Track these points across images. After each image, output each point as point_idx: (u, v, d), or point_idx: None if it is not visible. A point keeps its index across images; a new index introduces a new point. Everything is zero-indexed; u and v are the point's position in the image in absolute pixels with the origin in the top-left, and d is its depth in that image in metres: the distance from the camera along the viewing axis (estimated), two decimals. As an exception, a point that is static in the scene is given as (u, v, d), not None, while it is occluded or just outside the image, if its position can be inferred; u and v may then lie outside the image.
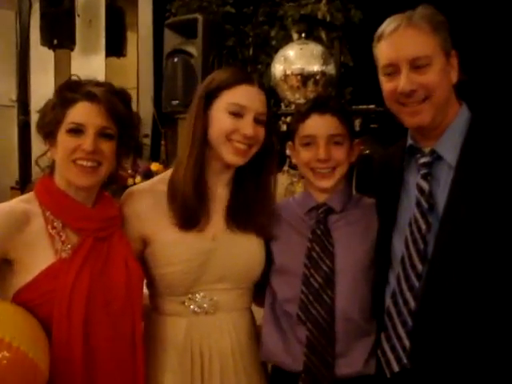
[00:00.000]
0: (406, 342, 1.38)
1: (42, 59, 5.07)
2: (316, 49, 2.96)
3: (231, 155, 1.56)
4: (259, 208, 1.62)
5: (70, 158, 1.43)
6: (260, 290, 1.67)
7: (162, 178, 1.65)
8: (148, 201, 1.59)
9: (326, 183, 1.61)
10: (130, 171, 4.07)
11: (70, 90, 1.45)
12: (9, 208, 1.42)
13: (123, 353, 1.46)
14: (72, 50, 4.97)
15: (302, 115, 1.64)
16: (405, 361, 1.38)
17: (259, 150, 1.61)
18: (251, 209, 1.62)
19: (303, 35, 2.99)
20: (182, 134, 1.64)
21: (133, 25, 5.10)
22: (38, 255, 1.40)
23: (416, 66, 1.38)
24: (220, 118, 1.56)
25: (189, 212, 1.55)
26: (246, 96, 1.56)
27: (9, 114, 5.30)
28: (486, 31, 3.03)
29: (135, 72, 5.01)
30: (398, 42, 1.40)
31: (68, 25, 4.81)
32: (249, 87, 1.57)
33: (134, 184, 3.51)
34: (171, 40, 3.29)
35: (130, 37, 5.18)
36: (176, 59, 3.18)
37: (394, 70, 1.41)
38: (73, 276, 1.39)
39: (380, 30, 1.46)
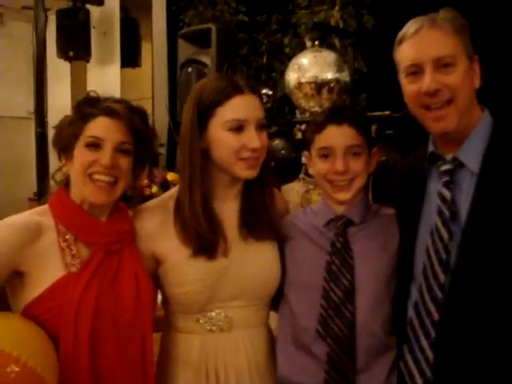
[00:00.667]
0: (430, 354, 1.35)
1: (59, 71, 5.14)
2: (329, 56, 2.95)
3: (245, 171, 1.52)
4: (268, 210, 1.59)
5: (86, 172, 1.42)
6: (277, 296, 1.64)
7: (171, 195, 1.60)
8: (157, 219, 1.56)
9: (344, 196, 1.57)
10: (146, 181, 4.10)
11: (89, 105, 1.46)
12: (23, 220, 1.42)
13: (132, 369, 1.43)
14: (88, 61, 5.03)
15: (318, 126, 1.60)
16: (428, 373, 1.35)
17: None
18: (262, 213, 1.59)
19: (316, 43, 2.99)
20: (179, 155, 1.57)
21: (147, 35, 5.14)
22: (48, 268, 1.39)
23: (440, 66, 1.36)
24: (222, 139, 1.50)
25: (204, 244, 1.51)
26: (239, 108, 1.49)
27: (26, 125, 5.37)
28: (507, 35, 3.01)
29: (150, 82, 5.04)
30: (421, 42, 1.38)
31: (83, 37, 4.88)
32: (240, 97, 1.49)
33: (151, 194, 3.53)
34: (185, 50, 3.30)
35: (145, 47, 5.23)
36: (190, 69, 3.19)
37: (417, 70, 1.38)
38: (80, 291, 1.37)
39: (401, 32, 1.43)
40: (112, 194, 1.45)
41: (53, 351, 1.32)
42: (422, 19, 1.40)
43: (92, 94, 1.51)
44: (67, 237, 1.43)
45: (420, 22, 1.40)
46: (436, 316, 1.34)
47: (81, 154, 1.43)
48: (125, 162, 1.45)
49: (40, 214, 1.45)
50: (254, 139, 1.48)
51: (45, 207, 1.48)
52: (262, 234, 1.57)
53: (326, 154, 1.57)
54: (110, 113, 1.43)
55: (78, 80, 5.20)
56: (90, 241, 1.45)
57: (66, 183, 1.50)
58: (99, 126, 1.43)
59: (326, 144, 1.57)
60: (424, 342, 1.36)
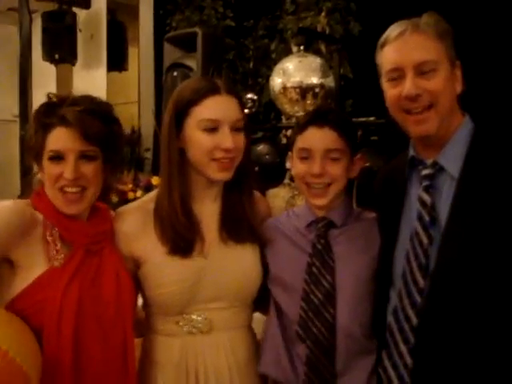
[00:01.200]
0: (408, 360, 1.34)
1: (44, 74, 5.10)
2: (315, 61, 2.95)
3: (217, 173, 1.52)
4: (248, 214, 1.59)
5: (55, 186, 1.43)
6: (263, 298, 1.63)
7: (151, 197, 1.61)
8: (137, 221, 1.56)
9: (321, 201, 1.57)
10: (131, 185, 4.08)
11: (45, 115, 1.45)
12: (19, 208, 1.42)
13: (114, 364, 1.44)
14: (74, 64, 4.99)
15: (300, 127, 1.61)
16: (407, 379, 1.34)
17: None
18: (241, 216, 1.58)
19: (302, 48, 2.99)
20: (161, 155, 1.58)
21: (134, 39, 5.12)
22: (34, 261, 1.40)
23: (422, 71, 1.36)
24: (196, 138, 1.51)
25: (181, 241, 1.52)
26: (214, 108, 1.50)
27: (11, 128, 5.31)
28: (489, 40, 3.03)
29: (136, 86, 5.03)
30: (403, 46, 1.38)
31: (70, 40, 4.84)
32: (216, 98, 1.50)
33: (135, 198, 3.51)
34: (171, 54, 3.29)
35: (132, 51, 5.20)
36: (175, 73, 3.18)
37: (398, 74, 1.39)
38: (63, 286, 1.38)
39: (384, 35, 1.44)
40: (82, 203, 1.46)
41: (37, 349, 1.32)
42: (406, 23, 1.40)
43: (51, 96, 1.50)
44: (54, 231, 1.45)
45: (403, 26, 1.40)
46: (415, 321, 1.34)
47: (47, 167, 1.44)
48: (90, 169, 1.45)
49: (29, 205, 1.46)
50: (226, 139, 1.48)
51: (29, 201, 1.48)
52: (242, 238, 1.58)
53: (305, 155, 1.57)
54: (65, 122, 1.42)
55: (63, 83, 5.16)
56: (71, 239, 1.46)
57: (43, 185, 1.50)
58: (57, 139, 1.43)
59: (305, 145, 1.57)
60: (403, 348, 1.36)
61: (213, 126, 1.49)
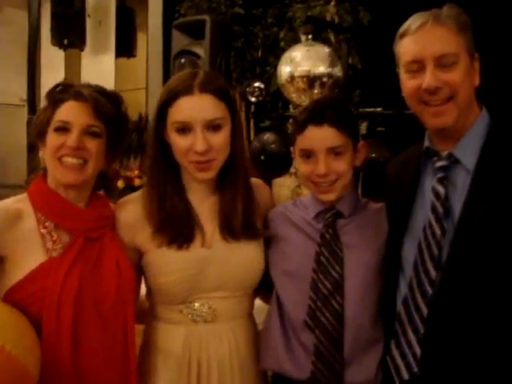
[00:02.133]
0: (417, 349, 1.34)
1: (53, 59, 5.11)
2: (323, 50, 2.92)
3: (196, 173, 1.50)
4: (241, 211, 1.57)
5: (56, 155, 1.44)
6: (265, 286, 1.63)
7: None
8: (139, 210, 1.55)
9: (328, 197, 1.56)
10: (137, 172, 4.09)
11: (59, 92, 1.48)
12: (2, 205, 1.44)
13: (114, 353, 1.44)
14: (82, 50, 5.01)
15: (299, 126, 1.56)
16: (415, 369, 1.34)
17: (231, 153, 1.54)
18: (235, 214, 1.56)
19: (310, 37, 2.96)
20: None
21: (143, 26, 5.12)
22: (29, 254, 1.40)
23: (442, 63, 1.35)
24: (172, 140, 1.50)
25: (170, 236, 1.51)
26: (185, 110, 1.46)
27: (19, 113, 5.33)
28: (506, 34, 3.00)
29: (144, 72, 5.03)
30: (424, 38, 1.36)
31: (78, 25, 4.85)
32: (187, 99, 1.46)
33: (142, 185, 3.52)
34: (179, 41, 3.28)
35: (140, 38, 5.20)
36: (183, 60, 3.17)
37: (418, 67, 1.37)
38: (62, 275, 1.38)
39: (404, 26, 1.42)
40: (82, 173, 1.46)
41: (36, 340, 1.32)
42: (427, 14, 1.39)
43: (66, 81, 1.52)
44: (47, 224, 1.45)
45: (425, 17, 1.38)
46: (425, 311, 1.34)
47: (50, 138, 1.45)
48: (93, 145, 1.46)
49: (19, 201, 1.47)
50: (198, 142, 1.45)
51: (24, 195, 1.49)
52: (240, 234, 1.56)
53: (308, 155, 1.55)
54: (77, 96, 1.45)
55: (72, 68, 5.17)
56: (70, 227, 1.46)
57: (44, 170, 1.51)
58: (66, 110, 1.45)
59: (306, 146, 1.55)
60: (412, 337, 1.36)
61: (182, 128, 1.47)
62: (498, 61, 2.78)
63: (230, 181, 1.57)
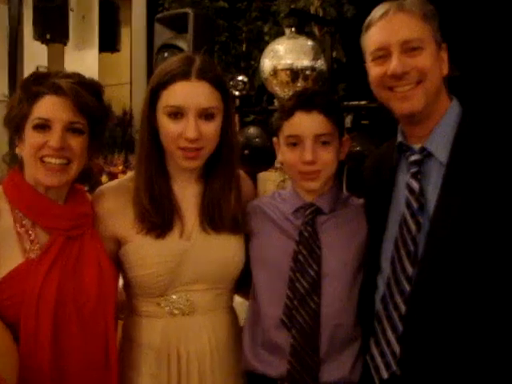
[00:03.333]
0: (396, 348, 1.34)
1: (35, 54, 5.04)
2: (306, 43, 2.90)
3: (183, 161, 1.49)
4: (228, 204, 1.56)
5: (37, 155, 1.37)
6: (245, 280, 1.62)
7: (131, 176, 1.60)
8: (118, 200, 1.54)
9: (313, 185, 1.55)
10: (121, 167, 4.06)
11: (35, 84, 1.39)
12: None
13: (95, 354, 1.42)
14: (65, 44, 4.94)
15: (286, 112, 1.55)
16: (394, 367, 1.34)
17: (219, 144, 1.53)
18: (221, 202, 1.55)
19: (293, 29, 2.95)
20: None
21: (126, 20, 5.07)
22: (6, 255, 1.35)
23: (408, 49, 1.34)
24: (162, 123, 1.48)
25: (152, 222, 1.50)
26: (181, 94, 1.44)
27: (1, 108, 5.26)
28: (475, 24, 3.00)
29: (128, 67, 4.99)
30: (388, 25, 1.36)
31: (61, 19, 4.78)
32: (184, 83, 1.44)
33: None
34: (162, 35, 3.24)
35: (124, 32, 5.16)
36: (166, 54, 3.13)
37: (384, 53, 1.36)
38: (41, 278, 1.34)
39: (368, 18, 1.42)
40: (65, 175, 1.40)
41: (13, 348, 1.28)
42: (389, 3, 1.38)
43: (41, 69, 1.46)
44: (24, 222, 1.39)
45: (387, 6, 1.38)
46: (403, 309, 1.33)
47: (30, 137, 1.37)
48: (77, 142, 1.40)
49: None
50: (189, 129, 1.44)
51: None
52: (223, 226, 1.55)
53: (294, 142, 1.53)
54: (56, 90, 1.37)
55: (55, 63, 5.11)
56: (50, 225, 1.41)
57: (20, 165, 1.44)
58: (46, 106, 1.37)
59: (294, 132, 1.53)
60: (391, 336, 1.35)
61: (175, 112, 1.45)
62: (468, 50, 2.79)
63: (220, 172, 1.56)
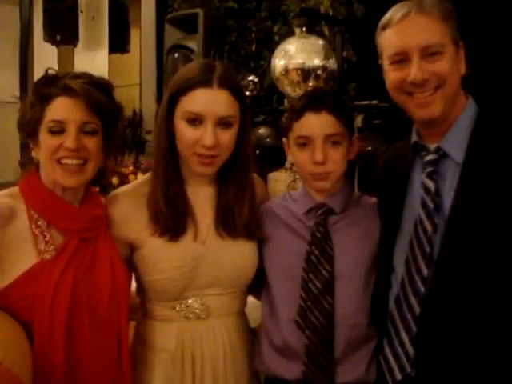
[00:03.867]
0: (410, 349, 1.32)
1: (45, 55, 5.06)
2: (317, 43, 2.90)
3: (198, 167, 1.50)
4: (242, 211, 1.56)
5: (53, 157, 1.38)
6: (258, 283, 1.62)
7: (144, 180, 1.60)
8: (130, 204, 1.54)
9: (324, 184, 1.55)
10: (131, 168, 4.06)
11: (46, 86, 1.40)
12: None
13: (108, 355, 1.42)
14: (75, 46, 4.97)
15: (296, 112, 1.55)
16: (408, 369, 1.33)
17: (235, 152, 1.54)
18: (235, 210, 1.55)
19: (304, 29, 2.94)
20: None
21: (136, 21, 5.07)
22: (21, 255, 1.35)
23: (428, 54, 1.32)
24: (179, 128, 1.49)
25: (170, 222, 1.50)
26: (201, 101, 1.45)
27: (12, 110, 5.29)
28: (492, 24, 2.98)
29: (138, 68, 4.99)
30: (408, 29, 1.33)
31: (71, 21, 4.81)
32: (206, 90, 1.45)
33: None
34: (172, 35, 3.25)
35: (134, 33, 5.16)
36: (176, 54, 3.14)
37: (403, 58, 1.34)
38: (55, 279, 1.34)
39: (386, 17, 1.39)
40: (83, 175, 1.41)
41: (27, 347, 1.28)
42: (409, 4, 1.36)
43: (50, 71, 1.46)
44: (39, 223, 1.39)
45: (407, 7, 1.35)
46: (418, 310, 1.31)
47: (45, 140, 1.38)
48: (92, 143, 1.40)
49: (11, 197, 1.40)
50: (207, 136, 1.44)
51: (15, 190, 1.43)
52: (237, 232, 1.55)
53: (304, 142, 1.53)
54: (68, 92, 1.37)
55: (65, 65, 5.13)
56: (65, 227, 1.41)
57: (36, 167, 1.45)
58: (59, 109, 1.37)
59: (304, 133, 1.53)
60: (404, 337, 1.33)
61: (194, 119, 1.46)
62: (483, 49, 2.76)
63: (234, 179, 1.56)
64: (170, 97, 1.50)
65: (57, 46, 4.97)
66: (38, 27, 4.84)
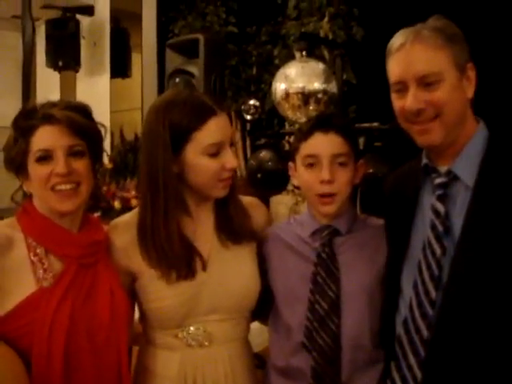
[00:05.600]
0: (418, 373, 1.30)
1: (48, 81, 5.11)
2: (317, 67, 2.91)
3: (222, 191, 1.52)
4: (241, 209, 1.59)
5: (46, 186, 1.38)
6: (262, 307, 1.61)
7: None
8: (132, 235, 1.52)
9: (330, 209, 1.54)
10: (133, 192, 4.06)
11: (26, 119, 1.40)
12: None
13: (108, 383, 1.40)
14: (77, 71, 5.02)
15: (304, 134, 1.57)
16: None
17: None
18: (235, 213, 1.57)
19: (304, 53, 2.96)
20: (145, 175, 1.49)
21: (137, 46, 5.12)
22: (19, 283, 1.35)
23: (425, 83, 1.32)
24: (201, 163, 1.47)
25: (182, 267, 1.48)
26: (217, 131, 1.47)
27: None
28: (503, 42, 2.99)
29: (140, 92, 5.02)
30: (404, 58, 1.34)
31: (73, 47, 4.88)
32: (215, 119, 1.46)
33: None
34: (173, 60, 3.26)
35: (135, 58, 5.21)
36: (178, 79, 3.16)
37: (402, 87, 1.35)
38: (53, 307, 1.33)
39: (389, 44, 1.40)
40: (78, 198, 1.41)
41: (24, 375, 1.26)
42: (407, 32, 1.36)
43: (27, 106, 1.47)
44: (38, 250, 1.39)
45: (404, 36, 1.36)
46: (426, 333, 1.29)
47: (35, 170, 1.38)
48: (81, 165, 1.41)
49: (9, 226, 1.41)
50: (231, 159, 1.48)
51: (13, 220, 1.43)
52: (238, 238, 1.55)
53: (312, 162, 1.54)
54: (48, 120, 1.38)
55: (67, 90, 5.17)
56: (63, 253, 1.41)
57: (30, 197, 1.45)
58: (44, 137, 1.38)
59: (311, 152, 1.54)
60: (412, 360, 1.31)
61: (218, 150, 1.48)
62: (497, 69, 2.76)
63: (227, 197, 1.57)
64: (172, 136, 1.45)
65: (59, 72, 5.03)
66: (41, 53, 4.89)
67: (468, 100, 1.38)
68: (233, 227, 1.56)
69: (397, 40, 1.37)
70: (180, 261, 1.47)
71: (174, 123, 1.45)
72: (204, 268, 1.51)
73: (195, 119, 1.45)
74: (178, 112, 1.46)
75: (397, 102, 1.38)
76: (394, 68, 1.37)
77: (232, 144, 1.53)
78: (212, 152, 1.47)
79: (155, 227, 1.48)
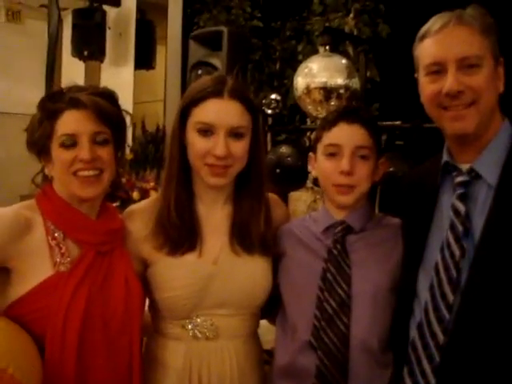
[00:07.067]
0: (432, 379, 1.26)
1: (73, 70, 5.15)
2: (340, 62, 2.88)
3: (210, 178, 1.49)
4: (258, 224, 1.54)
5: (69, 171, 1.38)
6: (271, 306, 1.60)
7: (159, 196, 1.59)
8: (145, 222, 1.54)
9: (346, 199, 1.52)
10: (153, 183, 4.08)
11: (52, 102, 1.40)
12: (12, 213, 1.37)
13: (119, 370, 1.41)
14: (102, 61, 5.06)
15: (328, 123, 1.55)
16: None
17: (248, 165, 1.53)
18: (251, 223, 1.54)
19: (327, 48, 2.93)
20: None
21: (162, 38, 5.14)
22: (36, 267, 1.35)
23: (465, 66, 1.29)
24: (191, 139, 1.49)
25: (169, 235, 1.50)
26: (212, 112, 1.46)
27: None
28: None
29: (163, 84, 5.04)
30: (446, 39, 1.31)
31: (99, 37, 4.90)
32: (216, 101, 1.46)
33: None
34: (196, 52, 3.26)
35: (159, 50, 5.23)
36: (200, 71, 3.15)
37: (439, 69, 1.31)
38: (70, 292, 1.33)
39: (425, 27, 1.36)
40: (100, 185, 1.42)
41: (38, 360, 1.27)
42: (449, 15, 1.33)
43: (55, 88, 1.47)
44: (56, 234, 1.39)
45: (447, 18, 1.32)
46: (442, 339, 1.26)
47: (58, 155, 1.38)
48: (105, 152, 1.41)
49: (29, 209, 1.41)
50: (218, 146, 1.45)
51: (32, 203, 1.43)
52: (251, 249, 1.53)
53: (333, 152, 1.52)
54: (75, 104, 1.37)
55: (91, 80, 5.20)
56: (81, 238, 1.41)
57: (50, 181, 1.46)
58: (69, 122, 1.37)
59: (334, 141, 1.52)
60: (426, 366, 1.27)
61: (205, 129, 1.47)
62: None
63: (249, 192, 1.55)
64: (182, 109, 1.52)
65: (84, 62, 5.07)
66: (67, 42, 4.93)
67: (498, 93, 1.34)
68: (246, 238, 1.54)
69: (436, 22, 1.34)
70: (182, 231, 1.50)
71: (185, 98, 1.51)
72: (215, 260, 1.52)
73: (197, 95, 1.48)
74: (191, 89, 1.53)
75: (429, 86, 1.34)
76: (433, 48, 1.33)
77: (239, 136, 1.49)
78: (200, 129, 1.46)
79: (164, 195, 1.53)
